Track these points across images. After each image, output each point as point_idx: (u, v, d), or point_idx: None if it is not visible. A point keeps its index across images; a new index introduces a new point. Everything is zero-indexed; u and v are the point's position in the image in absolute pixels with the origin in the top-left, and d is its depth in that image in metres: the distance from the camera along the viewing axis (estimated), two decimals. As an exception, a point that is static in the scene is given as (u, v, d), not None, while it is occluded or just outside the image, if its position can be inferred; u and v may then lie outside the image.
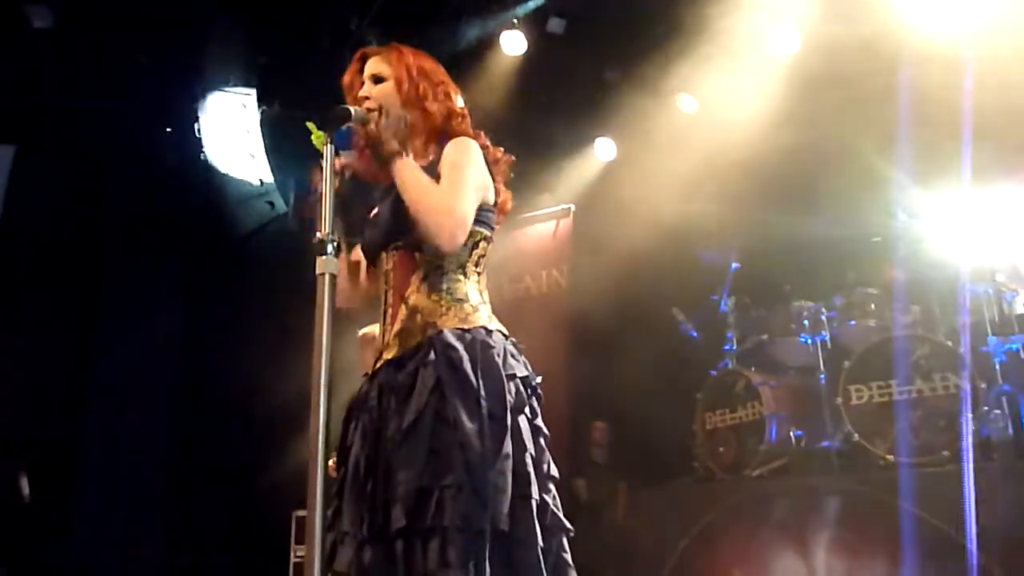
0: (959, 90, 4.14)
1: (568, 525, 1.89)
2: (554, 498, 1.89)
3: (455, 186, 1.93)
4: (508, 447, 1.80)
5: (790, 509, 4.10)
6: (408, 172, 1.93)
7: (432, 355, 1.85)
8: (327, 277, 1.69)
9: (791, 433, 4.71)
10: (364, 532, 1.80)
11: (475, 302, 1.97)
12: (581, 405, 5.75)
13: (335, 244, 1.74)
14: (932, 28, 4.49)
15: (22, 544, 5.11)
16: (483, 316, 1.96)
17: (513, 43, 5.82)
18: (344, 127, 1.94)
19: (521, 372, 1.92)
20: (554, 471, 1.92)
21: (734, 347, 5.13)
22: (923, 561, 3.51)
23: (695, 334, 5.44)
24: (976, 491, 3.56)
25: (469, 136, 2.08)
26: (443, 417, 1.79)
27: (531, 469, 1.83)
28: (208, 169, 6.09)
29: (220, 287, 6.47)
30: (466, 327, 1.91)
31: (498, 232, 2.14)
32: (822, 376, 4.64)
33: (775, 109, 5.02)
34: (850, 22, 4.65)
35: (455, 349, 1.85)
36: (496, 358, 1.87)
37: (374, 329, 3.11)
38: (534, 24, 5.73)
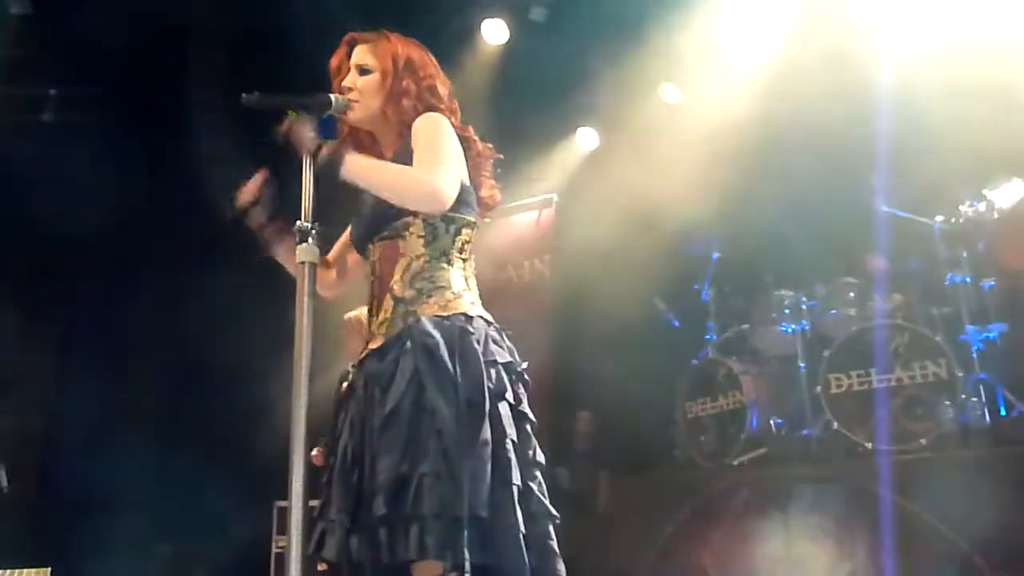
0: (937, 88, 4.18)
1: (554, 512, 1.89)
2: (539, 484, 1.89)
3: (431, 153, 1.93)
4: (486, 433, 1.80)
5: (771, 497, 4.14)
6: (363, 167, 1.92)
7: (410, 343, 1.86)
8: (307, 265, 1.69)
9: (772, 421, 4.75)
10: (350, 520, 1.81)
11: (458, 288, 1.96)
12: (563, 394, 5.77)
13: (315, 233, 1.73)
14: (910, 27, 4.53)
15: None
16: (465, 302, 1.95)
17: (495, 32, 5.81)
18: (326, 115, 1.93)
19: (504, 358, 1.91)
20: (540, 457, 1.92)
21: (715, 336, 5.17)
22: (902, 547, 3.56)
23: (676, 323, 5.47)
24: (954, 479, 3.62)
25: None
26: (421, 405, 1.80)
27: (513, 455, 1.83)
28: (192, 156, 6.04)
29: (203, 276, 6.42)
30: (445, 314, 1.90)
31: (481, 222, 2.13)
32: (802, 365, 4.68)
33: (757, 98, 5.04)
34: (831, 14, 4.68)
35: (432, 336, 1.85)
36: (475, 344, 1.87)
37: (359, 313, 3.10)
38: (516, 13, 5.72)
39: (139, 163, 5.96)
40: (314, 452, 3.19)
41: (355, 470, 1.84)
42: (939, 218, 4.50)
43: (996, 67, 4.11)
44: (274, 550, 5.41)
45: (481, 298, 2.03)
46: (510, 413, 1.88)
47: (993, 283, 4.39)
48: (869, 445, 4.14)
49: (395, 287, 1.96)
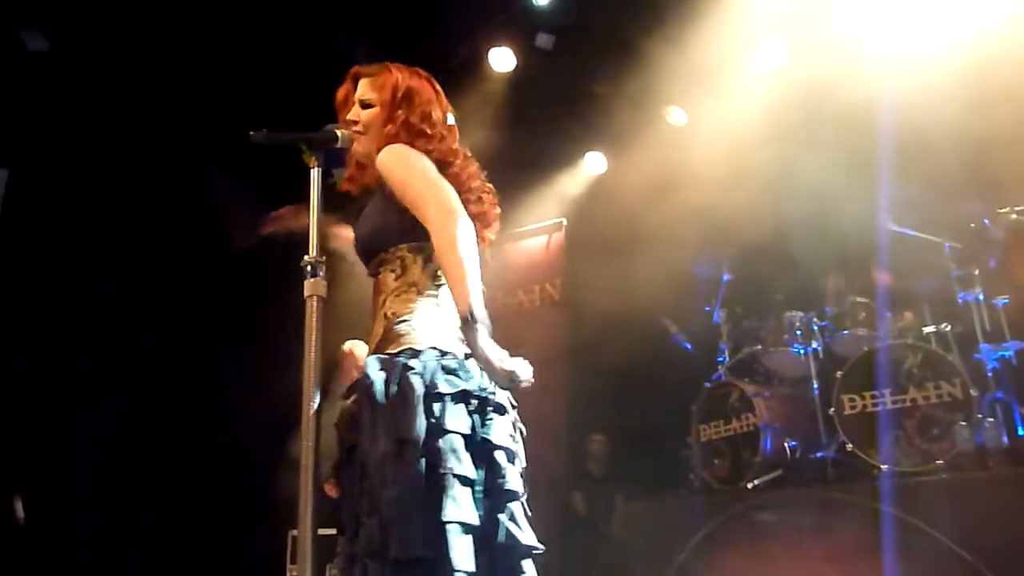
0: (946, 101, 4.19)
1: (526, 543, 1.81)
2: (511, 515, 1.81)
3: (425, 198, 1.89)
4: (418, 471, 1.73)
5: (786, 520, 4.10)
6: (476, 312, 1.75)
7: (363, 381, 1.84)
8: (315, 299, 1.71)
9: (785, 444, 4.72)
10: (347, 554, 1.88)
11: (419, 321, 1.91)
12: (577, 418, 5.76)
13: (322, 266, 1.75)
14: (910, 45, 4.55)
15: (17, 567, 5.09)
16: (418, 336, 1.89)
17: (502, 60, 5.87)
18: (334, 148, 1.96)
19: (453, 388, 1.82)
20: (513, 486, 1.83)
21: (727, 358, 5.15)
22: (919, 570, 3.52)
23: (688, 346, 5.45)
24: (971, 500, 3.58)
25: (428, 152, 2.01)
26: (362, 448, 1.82)
27: (453, 489, 1.73)
28: (201, 184, 6.12)
29: (215, 303, 6.48)
30: (395, 350, 1.87)
31: (492, 246, 2.12)
32: (815, 386, 4.65)
33: (765, 118, 5.05)
34: (834, 34, 4.71)
35: (369, 379, 1.82)
36: (416, 379, 1.79)
37: (355, 345, 3.12)
38: (523, 40, 5.78)
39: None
40: (328, 483, 3.19)
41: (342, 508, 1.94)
42: (949, 236, 4.49)
43: (1012, 80, 4.11)
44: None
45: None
46: (462, 446, 1.79)
47: (1007, 300, 4.37)
48: (885, 467, 4.10)
49: (374, 323, 1.99)
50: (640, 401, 5.24)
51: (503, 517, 1.80)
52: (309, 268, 1.73)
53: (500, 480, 1.82)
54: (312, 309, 1.70)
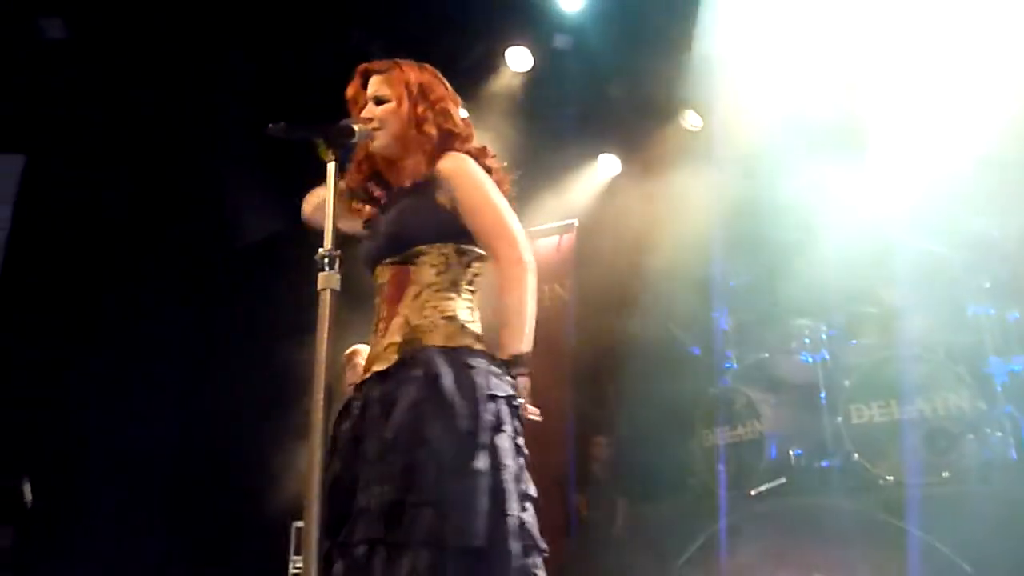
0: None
1: (543, 545, 1.89)
2: (532, 517, 1.90)
3: (497, 219, 2.02)
4: (483, 464, 1.81)
5: (789, 528, 4.09)
6: (526, 354, 1.99)
7: (415, 372, 1.88)
8: (328, 292, 1.71)
9: (791, 451, 4.70)
10: (347, 543, 1.82)
11: (464, 320, 1.99)
12: (582, 420, 5.75)
13: (336, 259, 1.76)
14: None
15: (24, 551, 5.12)
16: (469, 335, 1.98)
17: (519, 59, 5.88)
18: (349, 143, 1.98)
19: (503, 392, 1.92)
20: (532, 491, 1.93)
21: (734, 364, 5.13)
22: (921, 582, 3.50)
23: (696, 351, 5.44)
24: (977, 514, 3.56)
25: (470, 153, 2.11)
26: (420, 434, 1.82)
27: (510, 487, 1.84)
28: (215, 177, 6.15)
29: (223, 298, 6.50)
30: (451, 345, 1.93)
31: None
32: (823, 394, 4.63)
33: (779, 124, 5.03)
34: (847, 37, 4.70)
35: (436, 367, 1.87)
36: (476, 378, 1.89)
37: (360, 349, 3.13)
38: (539, 41, 5.79)
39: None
40: None
41: (351, 494, 1.85)
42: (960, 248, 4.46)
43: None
44: (291, 571, 5.41)
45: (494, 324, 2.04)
46: (510, 446, 1.89)
47: (1018, 315, 4.34)
48: (891, 477, 4.08)
49: (402, 312, 1.99)
50: (645, 405, 5.24)
51: (527, 517, 1.89)
52: (325, 261, 1.73)
53: (525, 484, 1.92)
54: (325, 302, 1.70)
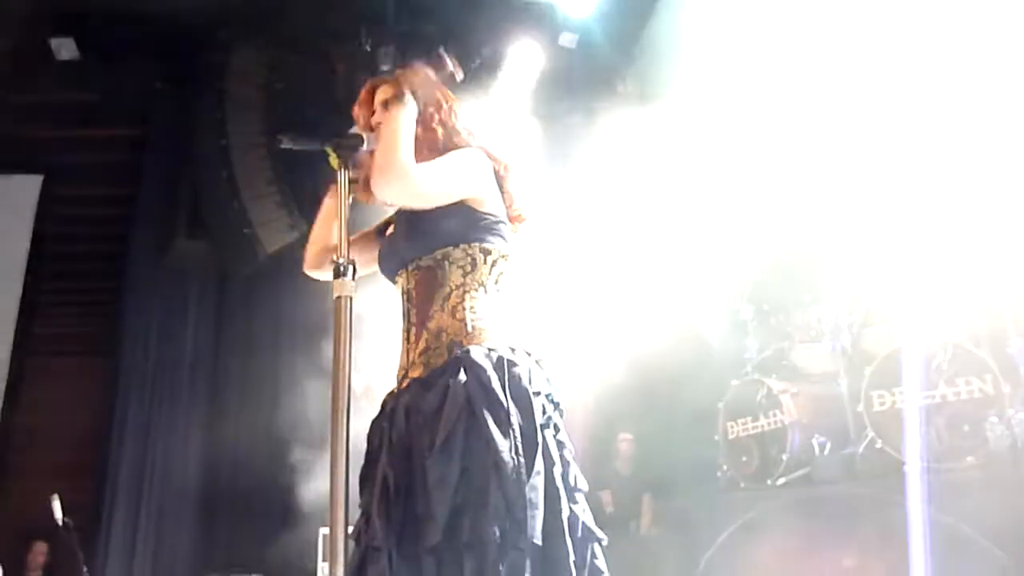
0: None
1: (599, 533, 1.90)
2: (584, 509, 1.90)
3: (436, 163, 2.01)
4: (540, 463, 1.82)
5: (814, 517, 4.08)
6: (397, 123, 1.97)
7: (461, 374, 1.86)
8: (345, 299, 1.73)
9: (814, 440, 4.69)
10: (395, 547, 1.80)
11: (498, 320, 1.99)
12: (604, 416, 5.75)
13: (352, 267, 1.77)
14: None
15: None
16: (507, 335, 1.97)
17: (525, 57, 5.89)
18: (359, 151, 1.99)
19: (545, 389, 1.93)
20: (581, 483, 1.93)
21: (754, 355, 5.12)
22: (947, 567, 3.48)
23: (716, 342, 5.43)
24: (1003, 497, 3.53)
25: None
26: (475, 435, 1.81)
27: (560, 484, 1.84)
28: (231, 191, 6.19)
29: (246, 309, 6.55)
30: (491, 346, 1.92)
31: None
32: (844, 382, 4.62)
33: (795, 117, 5.01)
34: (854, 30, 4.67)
35: (483, 368, 1.86)
36: (522, 376, 1.89)
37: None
38: (546, 39, 5.79)
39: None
40: None
41: (399, 499, 1.83)
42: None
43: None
44: (319, 576, 5.44)
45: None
46: (555, 442, 1.90)
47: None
48: (916, 463, 4.06)
49: (435, 316, 1.98)
50: (668, 398, 5.23)
51: (577, 510, 1.89)
52: (340, 269, 1.75)
53: (573, 477, 1.93)
54: (342, 309, 1.72)
